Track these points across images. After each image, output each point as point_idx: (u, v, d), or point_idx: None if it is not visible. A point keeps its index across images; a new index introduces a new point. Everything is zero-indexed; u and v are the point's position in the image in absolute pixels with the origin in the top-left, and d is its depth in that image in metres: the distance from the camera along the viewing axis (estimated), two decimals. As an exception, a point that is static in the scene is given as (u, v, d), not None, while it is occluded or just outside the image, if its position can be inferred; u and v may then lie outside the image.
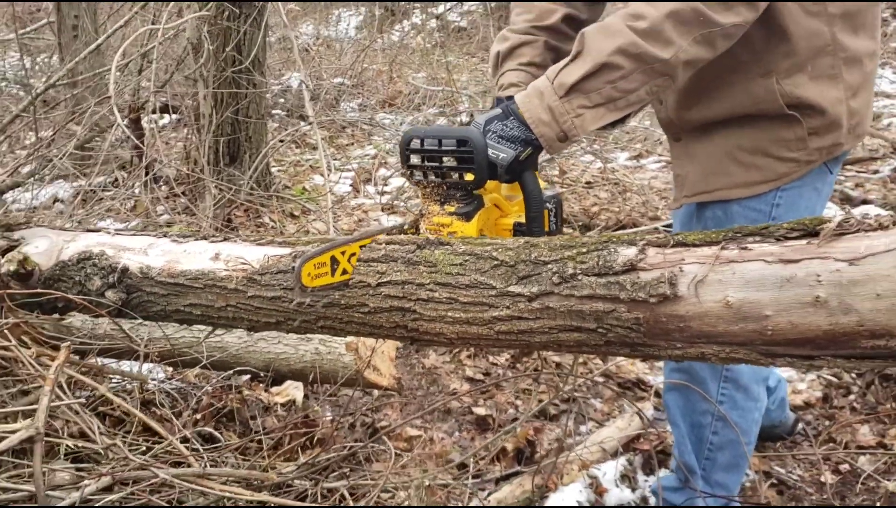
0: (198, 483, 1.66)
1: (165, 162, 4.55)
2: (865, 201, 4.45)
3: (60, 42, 5.56)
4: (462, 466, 2.40)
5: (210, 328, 2.03)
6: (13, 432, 1.43)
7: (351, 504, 1.98)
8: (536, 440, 2.54)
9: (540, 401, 2.77)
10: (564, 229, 1.69)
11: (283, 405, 2.67)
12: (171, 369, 2.64)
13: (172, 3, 4.26)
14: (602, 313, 1.26)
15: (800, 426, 2.61)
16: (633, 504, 2.30)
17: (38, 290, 1.77)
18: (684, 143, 1.87)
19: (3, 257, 1.80)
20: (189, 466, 1.76)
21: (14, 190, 4.54)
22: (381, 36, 9.65)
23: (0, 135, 4.34)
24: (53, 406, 1.64)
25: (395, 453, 2.28)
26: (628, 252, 1.26)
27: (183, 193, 4.42)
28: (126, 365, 2.41)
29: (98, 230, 1.92)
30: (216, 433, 2.18)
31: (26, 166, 4.44)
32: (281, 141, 5.78)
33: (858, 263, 1.09)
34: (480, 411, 2.76)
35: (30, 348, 1.89)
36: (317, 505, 1.87)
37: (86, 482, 1.56)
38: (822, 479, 2.38)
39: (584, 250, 1.30)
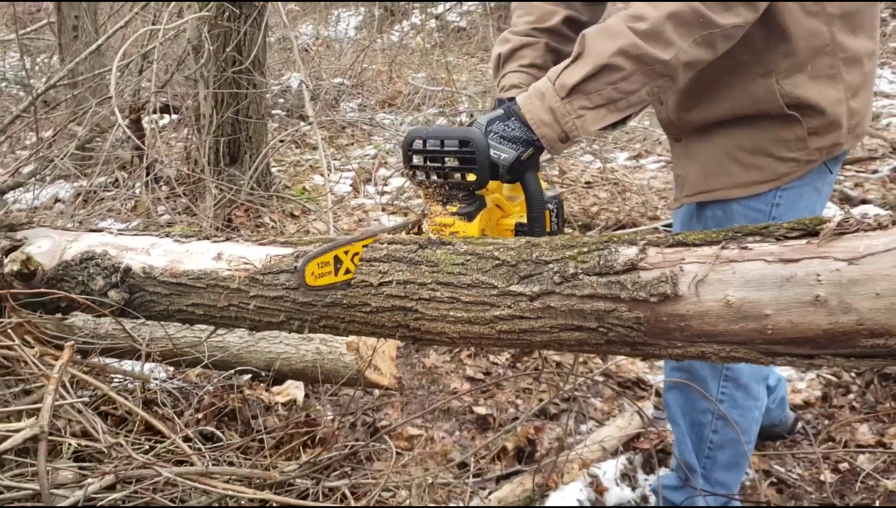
0: (201, 481, 1.66)
1: (166, 162, 4.55)
2: (864, 201, 4.46)
3: (61, 42, 5.56)
4: (463, 465, 2.40)
5: (212, 328, 2.03)
6: (17, 431, 1.43)
7: (352, 502, 1.99)
8: (537, 439, 2.55)
9: (540, 400, 2.78)
10: (565, 230, 1.70)
11: (283, 404, 2.67)
12: (172, 368, 2.66)
13: (173, 3, 4.26)
14: (603, 312, 1.27)
15: (799, 425, 2.62)
16: (634, 503, 2.31)
17: (42, 290, 1.77)
18: (685, 143, 1.88)
19: (6, 256, 1.81)
20: (192, 465, 1.77)
21: (15, 190, 4.55)
22: (381, 36, 9.66)
23: (1, 135, 4.35)
24: (57, 405, 1.65)
25: (396, 452, 2.29)
26: (629, 252, 1.27)
27: (183, 193, 4.43)
28: (127, 365, 2.42)
29: (100, 230, 1.93)
30: (218, 433, 2.19)
31: (27, 167, 4.44)
32: (281, 141, 5.79)
33: (858, 262, 1.09)
34: (481, 410, 2.77)
35: (33, 347, 1.90)
36: (319, 505, 1.88)
37: (89, 480, 1.57)
38: (822, 478, 2.39)
39: (586, 249, 1.31)
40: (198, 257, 1.71)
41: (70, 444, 1.80)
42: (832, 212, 4.03)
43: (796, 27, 1.65)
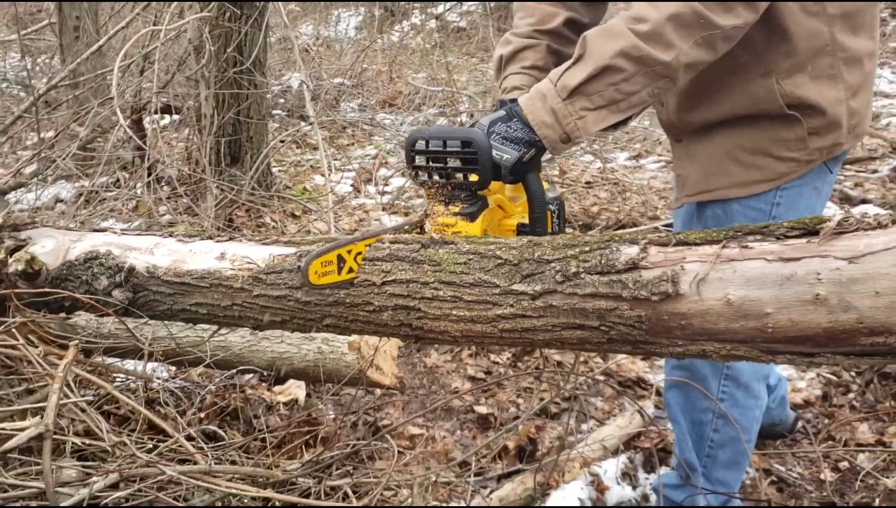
0: (204, 480, 1.67)
1: (168, 163, 4.56)
2: (864, 201, 4.47)
3: (62, 43, 5.57)
4: (464, 464, 2.41)
5: (215, 327, 2.04)
6: (22, 429, 1.44)
7: (354, 501, 2.00)
8: (538, 438, 2.56)
9: (541, 399, 2.78)
10: (566, 230, 1.71)
11: (285, 403, 2.68)
12: (174, 368, 2.67)
13: (174, 4, 4.27)
14: (605, 311, 1.28)
15: (800, 424, 2.63)
16: (635, 502, 2.32)
17: (46, 289, 1.78)
18: (685, 144, 1.89)
19: (10, 256, 1.82)
20: (195, 463, 1.78)
21: (16, 190, 4.56)
22: (381, 36, 9.66)
23: (2, 136, 4.36)
24: (61, 404, 1.66)
25: (398, 451, 2.30)
26: (630, 251, 1.28)
27: (185, 193, 4.44)
28: (129, 364, 2.42)
29: (104, 230, 1.94)
30: (220, 432, 2.20)
31: (29, 167, 4.45)
32: (282, 141, 5.80)
33: (858, 261, 1.10)
34: (482, 409, 2.78)
35: (37, 347, 1.91)
36: (321, 503, 1.89)
37: (94, 478, 1.57)
38: (822, 476, 2.40)
39: (587, 249, 1.32)
40: (201, 256, 1.72)
41: (72, 443, 1.81)
42: (832, 211, 4.04)
43: (797, 27, 1.66)
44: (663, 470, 2.34)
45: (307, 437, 2.39)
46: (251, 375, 2.66)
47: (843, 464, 2.47)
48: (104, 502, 1.57)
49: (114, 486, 1.64)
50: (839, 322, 1.12)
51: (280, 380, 2.69)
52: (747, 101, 1.73)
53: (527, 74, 1.83)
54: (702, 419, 2.06)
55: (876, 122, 5.86)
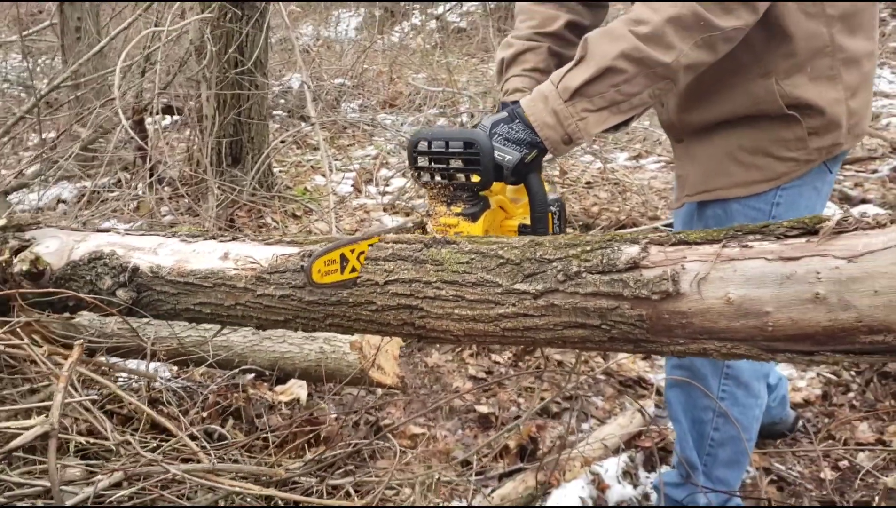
0: (207, 478, 1.68)
1: (169, 163, 4.57)
2: (864, 201, 4.48)
3: (63, 44, 5.58)
4: (465, 463, 2.42)
5: (218, 327, 2.05)
6: (27, 428, 1.45)
7: (356, 500, 2.01)
8: (539, 437, 2.57)
9: (542, 399, 2.79)
10: (567, 230, 1.72)
11: (287, 403, 2.69)
12: (176, 368, 2.67)
13: (175, 5, 4.28)
14: (606, 310, 1.29)
15: (800, 423, 2.64)
16: (635, 500, 2.33)
17: (51, 289, 1.79)
18: (686, 144, 1.90)
19: (15, 256, 1.83)
20: (198, 462, 1.79)
21: (17, 191, 4.57)
22: (381, 37, 9.67)
23: (4, 137, 4.37)
24: (65, 404, 1.67)
25: (400, 450, 2.31)
26: (631, 250, 1.29)
27: (186, 193, 4.45)
28: (132, 364, 2.43)
29: (108, 230, 1.95)
30: (223, 431, 2.21)
31: (31, 167, 4.46)
32: (282, 142, 5.81)
33: (857, 260, 1.11)
34: (483, 409, 2.79)
35: (41, 346, 1.92)
36: (324, 502, 1.90)
37: (98, 477, 1.58)
38: (822, 475, 2.41)
39: (589, 248, 1.33)
40: (205, 256, 1.73)
41: (76, 442, 1.82)
42: (832, 211, 4.05)
43: (796, 28, 1.67)
44: (664, 469, 2.35)
45: (309, 436, 2.40)
46: (253, 374, 2.67)
47: (843, 463, 2.48)
48: (109, 500, 1.58)
49: (117, 485, 1.65)
50: (838, 321, 1.13)
51: (282, 380, 2.70)
52: (747, 101, 1.74)
53: (528, 77, 1.84)
54: (702, 417, 2.07)
55: (876, 122, 5.87)
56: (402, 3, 11.11)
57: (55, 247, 1.86)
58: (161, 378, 2.49)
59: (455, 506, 2.20)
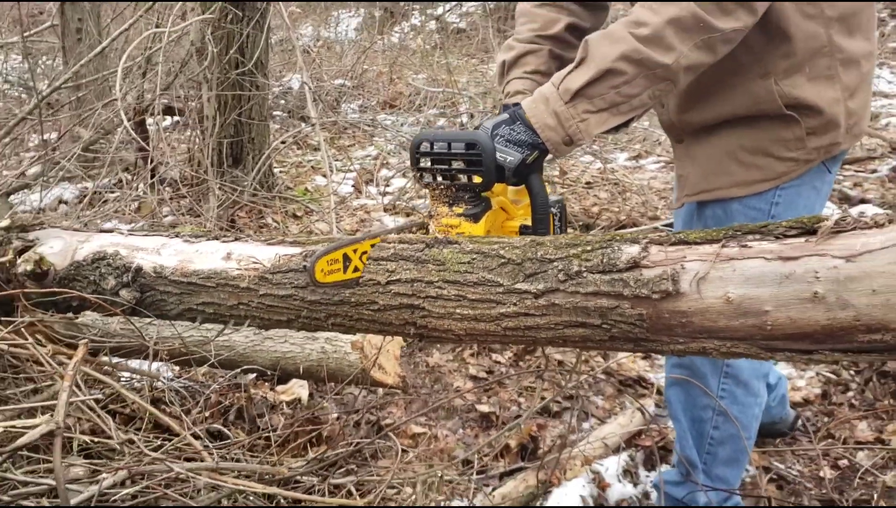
0: (211, 476, 1.69)
1: (171, 164, 4.59)
2: (864, 200, 4.49)
3: (64, 45, 5.59)
4: (466, 462, 2.43)
5: (221, 327, 2.06)
6: (32, 427, 1.46)
7: (358, 499, 2.02)
8: (539, 436, 2.58)
9: (543, 398, 2.80)
10: (567, 230, 1.73)
11: (288, 403, 2.70)
12: (178, 367, 2.69)
13: (177, 6, 4.29)
14: (606, 309, 1.30)
15: (799, 422, 2.65)
16: (636, 499, 2.34)
17: (55, 289, 1.80)
18: (686, 144, 1.91)
19: (19, 257, 1.84)
20: (202, 461, 1.80)
21: (20, 192, 4.58)
22: (381, 38, 9.69)
23: (5, 137, 4.38)
24: (69, 403, 1.68)
25: (401, 449, 2.32)
26: (632, 250, 1.30)
27: (187, 194, 4.46)
28: (134, 364, 2.44)
29: (111, 231, 1.96)
30: (225, 430, 2.22)
31: (32, 168, 4.47)
32: (283, 143, 5.82)
33: (855, 260, 1.12)
34: (484, 408, 2.80)
35: (45, 346, 1.93)
36: (326, 500, 1.91)
37: (103, 475, 1.60)
38: (821, 474, 2.42)
39: (589, 248, 1.34)
40: (207, 256, 1.74)
41: (79, 441, 1.83)
42: (831, 211, 4.06)
43: (795, 29, 1.68)
44: (664, 468, 2.36)
45: (311, 436, 2.41)
46: (254, 374, 2.68)
47: (843, 462, 2.49)
48: (113, 499, 1.59)
49: (121, 484, 1.66)
50: (837, 320, 1.14)
51: (283, 380, 2.71)
52: (747, 101, 1.75)
53: (529, 79, 1.86)
54: (702, 416, 2.08)
55: (875, 122, 5.88)
56: (401, 4, 11.12)
57: (59, 247, 1.87)
58: (163, 378, 2.50)
59: (456, 505, 2.21)
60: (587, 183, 5.03)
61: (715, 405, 2.04)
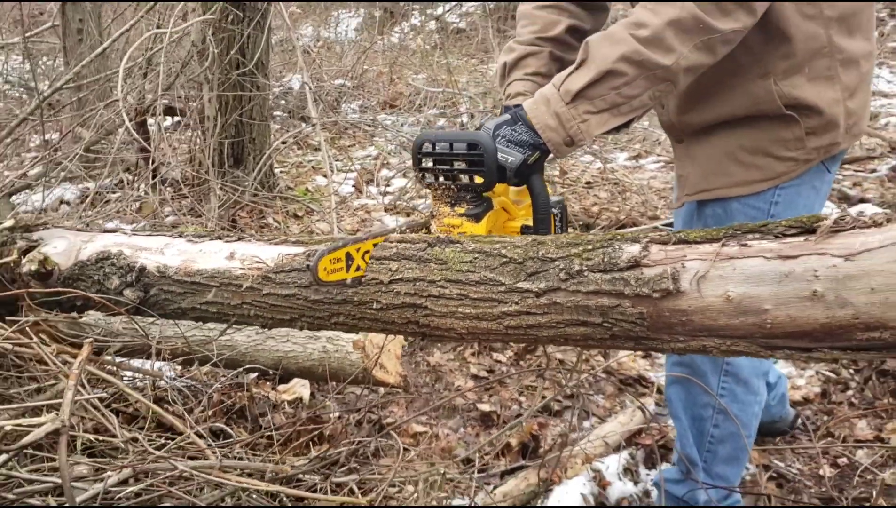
0: (215, 474, 1.70)
1: (172, 164, 4.59)
2: (863, 200, 4.50)
3: (65, 46, 5.60)
4: (467, 461, 2.44)
5: (224, 326, 2.07)
6: (38, 425, 1.47)
7: (360, 497, 2.03)
8: (540, 435, 2.59)
9: (543, 397, 2.81)
10: (567, 230, 1.74)
11: (290, 402, 2.71)
12: (180, 366, 2.70)
13: (178, 7, 4.30)
14: (607, 307, 1.31)
15: (799, 420, 2.66)
16: (636, 497, 2.35)
17: (59, 289, 1.81)
18: (686, 144, 1.92)
19: (23, 257, 1.85)
20: (205, 459, 1.81)
21: (21, 192, 4.59)
22: (381, 38, 9.69)
23: (7, 138, 4.39)
24: (73, 401, 1.69)
25: (402, 448, 2.33)
26: (632, 249, 1.31)
27: (188, 194, 4.47)
28: (137, 363, 2.45)
29: (115, 231, 1.97)
30: (227, 429, 2.23)
31: (34, 169, 4.48)
32: (284, 143, 5.83)
33: (854, 258, 1.13)
34: (485, 407, 2.81)
35: (49, 345, 1.94)
36: (328, 498, 1.92)
37: (108, 473, 1.61)
38: (821, 472, 2.43)
39: (590, 247, 1.35)
40: (211, 256, 1.75)
41: (83, 440, 1.84)
42: (830, 211, 4.07)
43: (794, 30, 1.69)
44: (664, 466, 2.37)
45: (312, 435, 2.42)
46: (256, 373, 2.69)
47: (842, 460, 2.50)
48: (117, 497, 1.60)
49: (125, 482, 1.67)
50: (836, 318, 1.15)
51: (285, 379, 2.72)
52: (747, 101, 1.76)
53: (530, 81, 1.87)
54: (702, 414, 2.09)
55: (874, 121, 5.89)
56: (401, 4, 11.13)
57: (63, 247, 1.88)
58: (166, 377, 2.51)
59: (458, 504, 2.22)
60: (587, 183, 5.04)
61: (715, 404, 2.05)
